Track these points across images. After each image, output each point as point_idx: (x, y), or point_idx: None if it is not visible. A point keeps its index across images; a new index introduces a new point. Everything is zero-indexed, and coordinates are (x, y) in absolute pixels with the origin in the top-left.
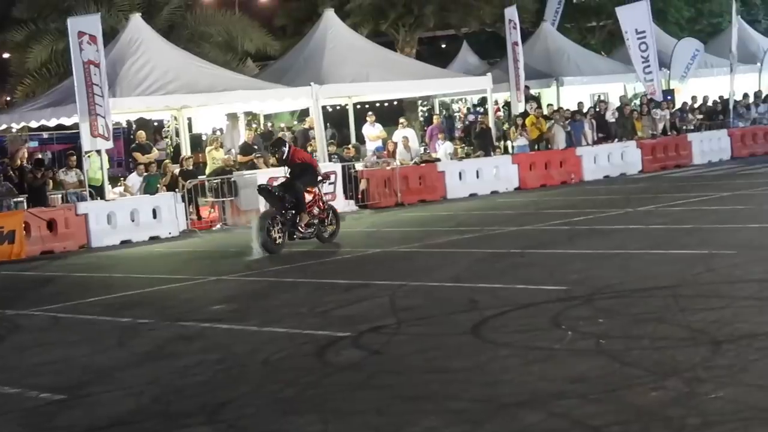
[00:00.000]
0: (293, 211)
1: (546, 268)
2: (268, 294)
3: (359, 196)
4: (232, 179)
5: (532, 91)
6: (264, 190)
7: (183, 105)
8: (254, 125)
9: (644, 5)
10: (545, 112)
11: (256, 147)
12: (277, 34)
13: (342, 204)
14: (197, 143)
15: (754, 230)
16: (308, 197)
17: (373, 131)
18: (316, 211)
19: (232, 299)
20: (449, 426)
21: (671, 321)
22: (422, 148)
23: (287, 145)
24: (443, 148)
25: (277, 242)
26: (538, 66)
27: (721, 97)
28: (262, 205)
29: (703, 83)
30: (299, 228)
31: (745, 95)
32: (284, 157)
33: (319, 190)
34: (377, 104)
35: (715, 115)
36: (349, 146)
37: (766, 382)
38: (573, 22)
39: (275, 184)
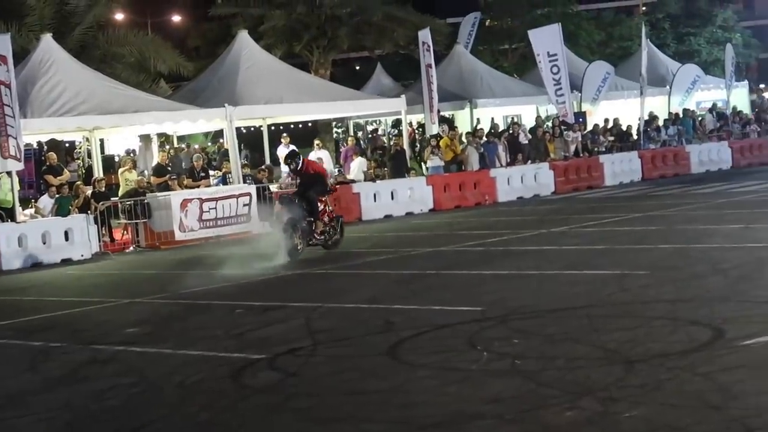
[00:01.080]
0: (311, 219)
1: (461, 289)
2: (183, 316)
3: (274, 218)
4: (146, 201)
5: (446, 114)
6: (286, 199)
7: (95, 126)
8: (167, 147)
9: (556, 29)
10: (461, 134)
11: (169, 168)
12: (191, 55)
13: (257, 226)
14: (110, 165)
15: (666, 251)
16: (320, 206)
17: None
18: (326, 219)
19: (147, 322)
20: None
21: (585, 341)
22: (337, 170)
23: (300, 158)
24: (357, 164)
25: (297, 248)
26: (452, 88)
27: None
28: (176, 226)
29: (614, 106)
30: (315, 235)
31: (655, 117)
32: (298, 169)
33: (326, 200)
34: (291, 126)
35: (626, 137)
36: (264, 168)
37: (678, 400)
38: (486, 44)
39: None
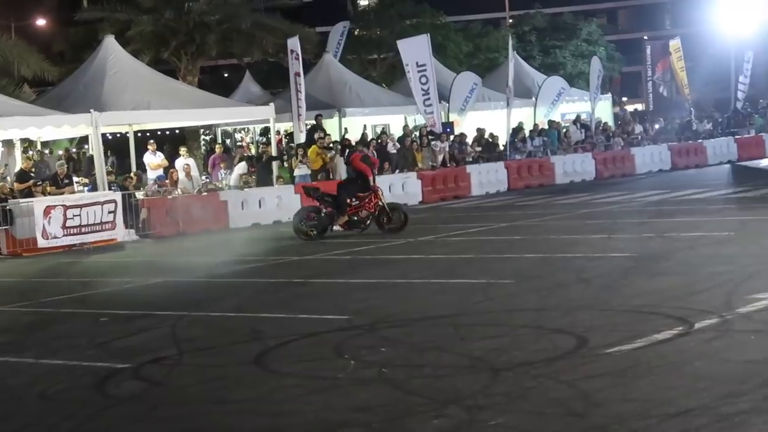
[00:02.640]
0: (331, 210)
1: (328, 297)
2: (45, 325)
3: (140, 225)
4: (8, 207)
5: (312, 121)
6: (307, 189)
7: None
8: (31, 152)
9: (424, 39)
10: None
11: (33, 174)
12: (56, 60)
13: (122, 233)
14: None
15: (530, 260)
16: (357, 201)
17: (154, 159)
18: (363, 213)
19: (7, 331)
20: None
21: (452, 350)
22: (204, 177)
23: (348, 152)
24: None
25: (308, 233)
26: (321, 96)
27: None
28: (39, 233)
29: (481, 116)
30: (333, 226)
31: (521, 129)
32: (346, 162)
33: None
34: (159, 132)
35: (493, 147)
36: (130, 174)
37: (543, 408)
38: (355, 54)
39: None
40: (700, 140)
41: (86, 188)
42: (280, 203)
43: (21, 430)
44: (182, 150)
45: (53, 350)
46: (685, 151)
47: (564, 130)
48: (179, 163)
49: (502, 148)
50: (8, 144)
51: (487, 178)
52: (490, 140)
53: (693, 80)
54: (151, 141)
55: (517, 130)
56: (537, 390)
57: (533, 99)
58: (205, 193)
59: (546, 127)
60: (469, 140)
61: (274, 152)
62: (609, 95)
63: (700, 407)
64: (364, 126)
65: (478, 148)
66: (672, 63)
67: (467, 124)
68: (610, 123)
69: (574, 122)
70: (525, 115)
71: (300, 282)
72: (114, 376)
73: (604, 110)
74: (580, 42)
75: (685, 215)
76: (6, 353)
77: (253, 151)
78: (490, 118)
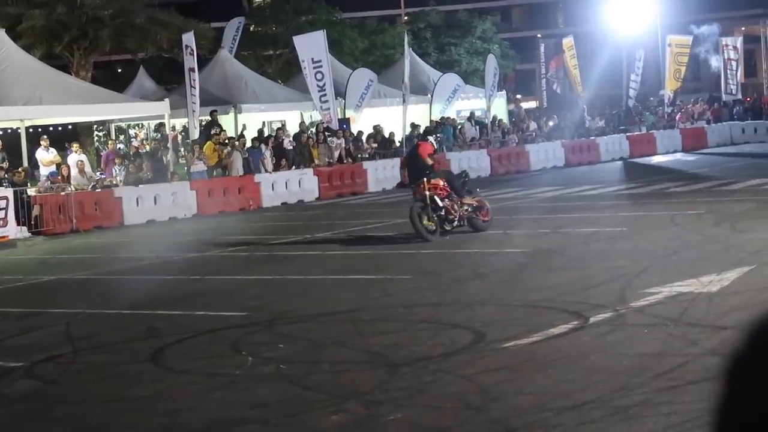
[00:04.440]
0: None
1: (225, 294)
2: None
3: (32, 222)
4: None
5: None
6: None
7: None
8: None
9: (320, 35)
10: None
11: None
12: None
13: (14, 230)
14: None
15: (428, 255)
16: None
17: (47, 156)
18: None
19: None
20: None
21: (350, 345)
22: (98, 174)
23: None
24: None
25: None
26: (217, 92)
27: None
28: None
29: (377, 113)
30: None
31: (415, 125)
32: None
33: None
34: (51, 128)
35: (389, 144)
36: (20, 170)
37: (441, 402)
38: (250, 50)
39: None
40: (592, 137)
41: None
42: (176, 200)
43: None
44: (75, 146)
45: None
46: (579, 148)
47: (459, 126)
48: (72, 159)
49: (398, 144)
50: None
51: (383, 175)
52: (387, 137)
53: (586, 78)
54: (44, 137)
55: (413, 126)
56: (435, 384)
57: (429, 96)
58: (99, 190)
59: (441, 123)
60: (365, 137)
61: (170, 148)
62: (504, 92)
63: (596, 400)
64: (263, 123)
65: (375, 145)
66: (565, 61)
67: (363, 121)
68: (505, 120)
69: (469, 119)
70: (421, 112)
71: (197, 279)
72: (7, 375)
73: (498, 107)
74: (475, 39)
75: (579, 211)
76: None
77: (147, 147)
78: (386, 115)
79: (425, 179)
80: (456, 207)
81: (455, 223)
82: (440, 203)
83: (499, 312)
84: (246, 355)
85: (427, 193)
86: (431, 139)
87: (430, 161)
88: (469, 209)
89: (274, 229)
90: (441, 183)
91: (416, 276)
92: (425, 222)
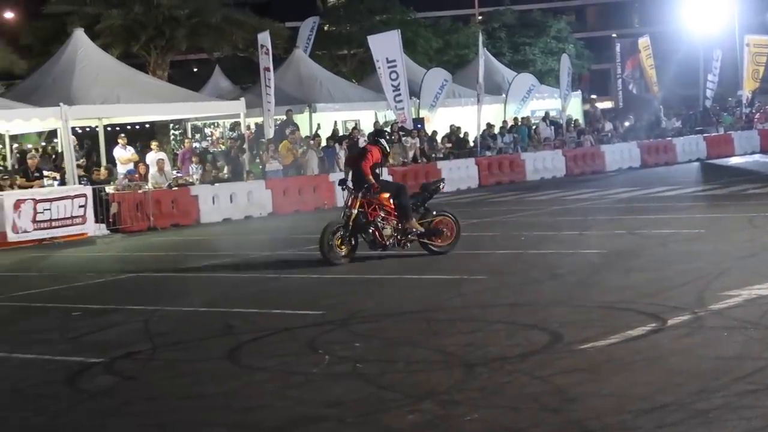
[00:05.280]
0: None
1: (302, 292)
2: (16, 319)
3: (110, 220)
4: None
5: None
6: None
7: None
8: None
9: (395, 35)
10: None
11: (1, 168)
12: (24, 53)
13: (92, 228)
14: None
15: (503, 256)
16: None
17: (124, 154)
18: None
19: None
20: None
21: (425, 345)
22: (175, 172)
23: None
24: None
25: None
26: (291, 91)
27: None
28: (9, 227)
29: (452, 112)
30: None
31: (491, 125)
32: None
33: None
34: (128, 127)
35: (463, 144)
36: (100, 168)
37: (517, 403)
38: (325, 49)
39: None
40: (669, 138)
41: (55, 182)
42: (251, 198)
43: None
44: (154, 144)
45: (26, 344)
46: (655, 148)
47: (534, 126)
48: (151, 157)
49: (472, 144)
50: None
51: (457, 174)
52: (461, 136)
53: (662, 78)
54: (122, 135)
55: (488, 126)
56: (511, 385)
57: (503, 96)
58: (176, 188)
59: (516, 123)
60: (440, 136)
61: (246, 147)
62: (579, 92)
63: (675, 403)
64: (335, 122)
65: (449, 144)
66: (641, 61)
67: (437, 120)
68: (580, 120)
69: (544, 119)
70: (495, 112)
71: (272, 277)
72: (87, 370)
73: (574, 107)
74: (550, 39)
75: (656, 212)
76: None
77: (223, 146)
78: (460, 115)
79: (360, 194)
80: (387, 234)
81: (391, 247)
82: (369, 227)
83: (575, 313)
84: (322, 354)
85: (354, 212)
86: (383, 142)
87: (371, 179)
88: (413, 237)
89: None
90: (385, 200)
91: (491, 276)
92: (336, 243)
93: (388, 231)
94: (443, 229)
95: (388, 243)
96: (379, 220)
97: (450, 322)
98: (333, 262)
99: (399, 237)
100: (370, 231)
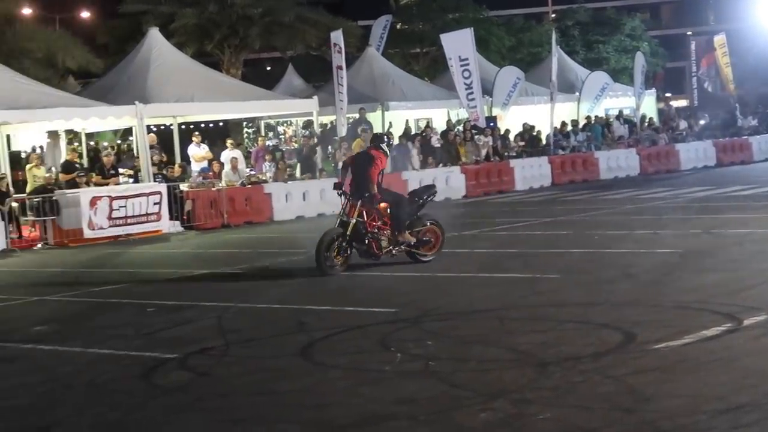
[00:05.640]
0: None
1: (374, 290)
2: (92, 315)
3: (184, 217)
4: (54, 198)
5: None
6: None
7: (2, 121)
8: (76, 144)
9: (468, 33)
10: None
11: (78, 165)
12: (99, 52)
13: (167, 225)
14: (16, 161)
15: (576, 255)
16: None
17: (199, 151)
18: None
19: (55, 320)
20: None
21: (498, 343)
22: (248, 170)
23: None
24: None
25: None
26: (364, 90)
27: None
28: (85, 224)
29: (524, 111)
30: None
31: (564, 123)
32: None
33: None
34: (202, 125)
35: (536, 142)
36: (174, 166)
37: (590, 403)
38: (397, 48)
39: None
40: (745, 136)
41: (130, 180)
42: (324, 196)
43: (70, 419)
44: (229, 142)
45: (101, 339)
46: (731, 147)
47: (608, 125)
48: (226, 155)
49: (545, 142)
50: (53, 135)
51: (530, 173)
52: (534, 135)
53: (738, 76)
54: (196, 133)
55: (561, 124)
56: (584, 385)
57: (576, 94)
58: (249, 186)
59: (590, 122)
60: (512, 135)
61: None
62: (653, 91)
63: (750, 404)
64: (406, 121)
65: (522, 143)
66: (717, 58)
67: (510, 119)
68: (655, 118)
69: (617, 117)
70: (568, 110)
71: (345, 274)
72: (161, 365)
73: (648, 106)
74: (624, 37)
75: (732, 212)
76: (54, 342)
77: (296, 144)
78: (533, 113)
79: (360, 201)
80: (383, 245)
81: (384, 256)
82: (366, 237)
83: (649, 313)
84: (394, 351)
85: (353, 221)
86: (384, 147)
87: (375, 187)
88: (403, 248)
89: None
90: (383, 210)
91: (564, 275)
92: (333, 254)
93: (384, 242)
94: (431, 238)
95: (382, 254)
96: (375, 230)
97: (523, 320)
98: (327, 272)
99: (391, 248)
100: (367, 241)
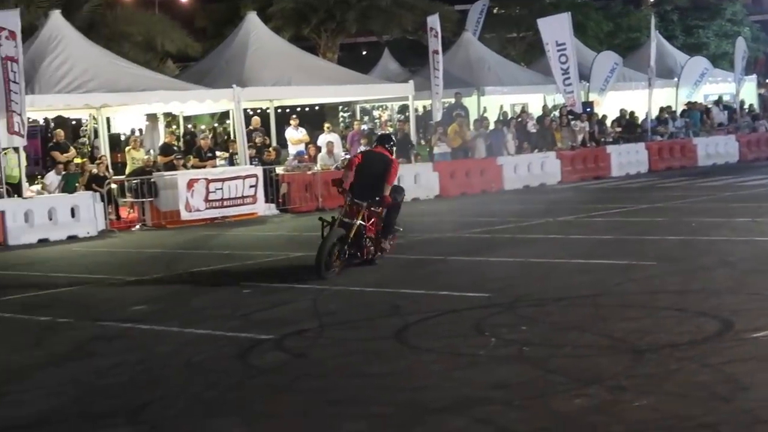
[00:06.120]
0: None
1: (468, 275)
2: (189, 295)
3: (280, 200)
4: (152, 180)
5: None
6: None
7: (103, 104)
8: (174, 126)
9: (565, 18)
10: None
11: (176, 148)
12: (198, 36)
13: (263, 207)
14: (116, 143)
15: (672, 242)
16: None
17: (296, 135)
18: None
19: (153, 300)
20: (374, 430)
21: (593, 330)
22: (345, 154)
23: None
24: None
25: None
26: (460, 74)
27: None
28: (182, 206)
29: (622, 96)
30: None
31: (663, 109)
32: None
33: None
34: (298, 108)
35: (633, 128)
36: (270, 149)
37: (687, 390)
38: (494, 32)
39: None
40: None
41: (225, 162)
42: (418, 181)
43: (167, 397)
44: (326, 126)
45: (197, 320)
46: None
47: (706, 111)
48: (322, 139)
49: (642, 128)
50: (152, 118)
51: (627, 159)
52: (631, 120)
53: None
54: (294, 116)
55: (659, 110)
56: (681, 373)
57: (675, 79)
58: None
59: (688, 108)
60: (609, 120)
61: (412, 130)
62: (754, 77)
63: None
64: (501, 106)
65: (619, 129)
66: None
67: (607, 104)
68: (755, 105)
69: (717, 103)
70: (666, 96)
71: (439, 259)
72: (257, 346)
73: (748, 92)
74: (724, 22)
75: None
76: (152, 322)
77: (391, 128)
78: (631, 98)
79: (367, 204)
80: (371, 250)
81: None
82: (364, 241)
83: (748, 301)
84: (488, 336)
85: (357, 223)
86: (392, 149)
87: (388, 197)
88: (380, 254)
89: (515, 212)
90: (380, 214)
91: (661, 262)
92: (334, 257)
93: (370, 251)
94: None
95: (371, 258)
96: (372, 235)
97: (618, 307)
98: (324, 276)
99: (378, 254)
100: (364, 245)
